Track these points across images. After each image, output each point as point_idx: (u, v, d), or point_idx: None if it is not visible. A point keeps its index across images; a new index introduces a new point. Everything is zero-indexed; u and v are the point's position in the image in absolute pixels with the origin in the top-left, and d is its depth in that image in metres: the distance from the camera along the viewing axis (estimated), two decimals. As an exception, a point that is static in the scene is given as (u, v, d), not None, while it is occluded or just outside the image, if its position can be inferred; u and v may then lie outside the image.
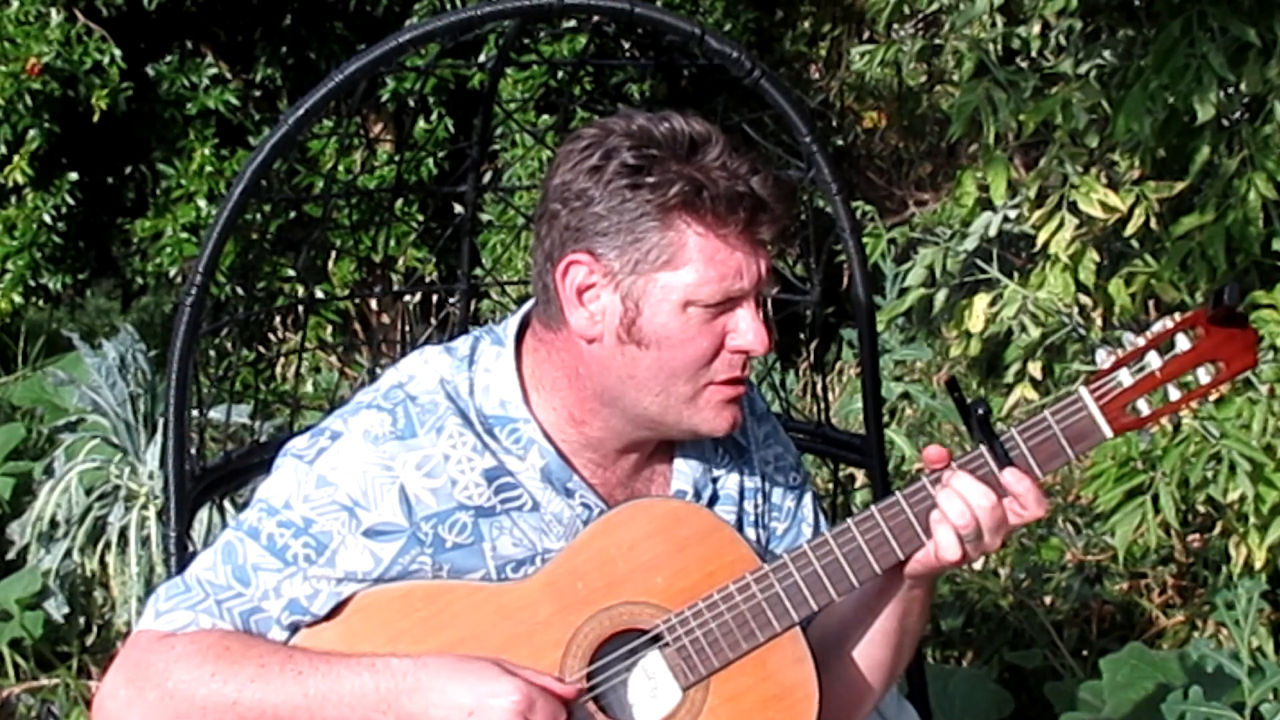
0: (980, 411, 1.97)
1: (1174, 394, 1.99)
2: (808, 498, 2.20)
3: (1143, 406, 1.98)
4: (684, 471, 2.09)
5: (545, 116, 5.30)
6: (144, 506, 4.32)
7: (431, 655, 1.94)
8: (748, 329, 1.96)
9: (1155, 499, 3.03)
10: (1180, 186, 3.31)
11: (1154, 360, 1.98)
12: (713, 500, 2.11)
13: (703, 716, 1.99)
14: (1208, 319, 1.97)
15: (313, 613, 1.99)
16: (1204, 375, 1.99)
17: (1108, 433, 1.99)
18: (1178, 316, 1.99)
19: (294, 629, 1.99)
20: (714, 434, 2.02)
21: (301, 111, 2.49)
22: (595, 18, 2.84)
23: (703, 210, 1.91)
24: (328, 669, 1.93)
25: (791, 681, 2.00)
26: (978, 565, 4.22)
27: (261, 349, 5.86)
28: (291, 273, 5.48)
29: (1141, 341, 1.99)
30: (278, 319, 5.69)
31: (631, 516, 2.01)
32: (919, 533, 1.98)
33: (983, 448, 1.97)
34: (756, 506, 2.15)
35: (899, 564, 2.00)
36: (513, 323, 2.07)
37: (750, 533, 2.13)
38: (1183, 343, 1.98)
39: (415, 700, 1.91)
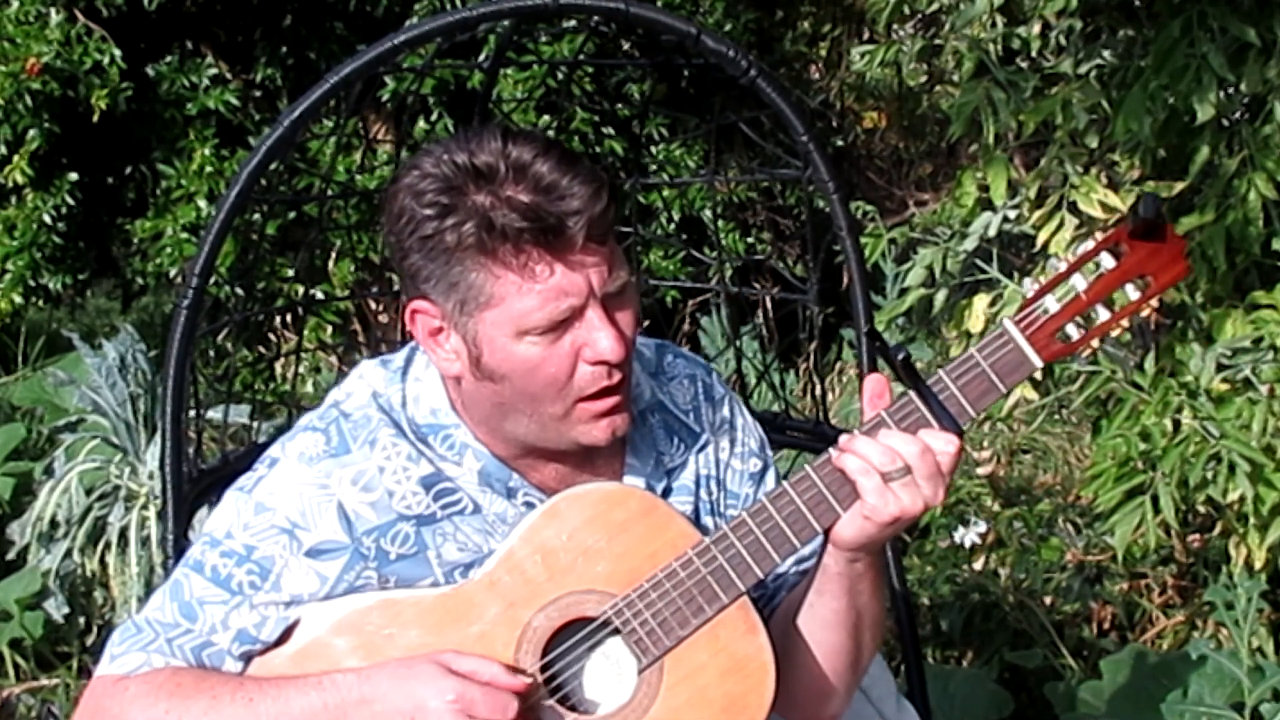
0: (902, 356, 1.91)
1: (1103, 315, 1.94)
2: (769, 481, 2.18)
3: (1072, 331, 1.93)
4: (634, 465, 2.09)
5: (546, 117, 5.30)
6: (144, 507, 4.32)
7: (375, 666, 1.95)
8: (596, 339, 1.93)
9: (1155, 499, 3.03)
10: (1180, 187, 3.30)
11: (1080, 283, 1.93)
12: (667, 493, 2.10)
13: (661, 696, 1.98)
14: (1129, 234, 1.92)
15: (262, 640, 2.00)
16: (1133, 292, 1.93)
17: (1037, 362, 1.94)
18: (1099, 236, 1.95)
19: (247, 658, 2.01)
20: (596, 444, 2.00)
21: (297, 113, 2.49)
22: (592, 18, 2.83)
23: (496, 248, 1.89)
24: (277, 692, 1.95)
25: (745, 652, 1.99)
26: (978, 565, 4.22)
27: (261, 349, 5.86)
28: (291, 273, 5.48)
29: (1064, 266, 1.94)
30: (277, 319, 5.69)
31: (567, 506, 2.00)
32: (856, 486, 1.94)
33: (910, 393, 1.93)
34: (711, 494, 2.14)
35: (836, 521, 1.96)
36: None
37: (708, 521, 2.12)
38: (1108, 262, 1.93)
39: (361, 712, 1.93)
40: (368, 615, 2.00)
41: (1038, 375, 3.50)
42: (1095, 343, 1.96)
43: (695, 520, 2.09)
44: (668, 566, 1.98)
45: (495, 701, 1.91)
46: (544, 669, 1.98)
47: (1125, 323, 1.96)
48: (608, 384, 1.96)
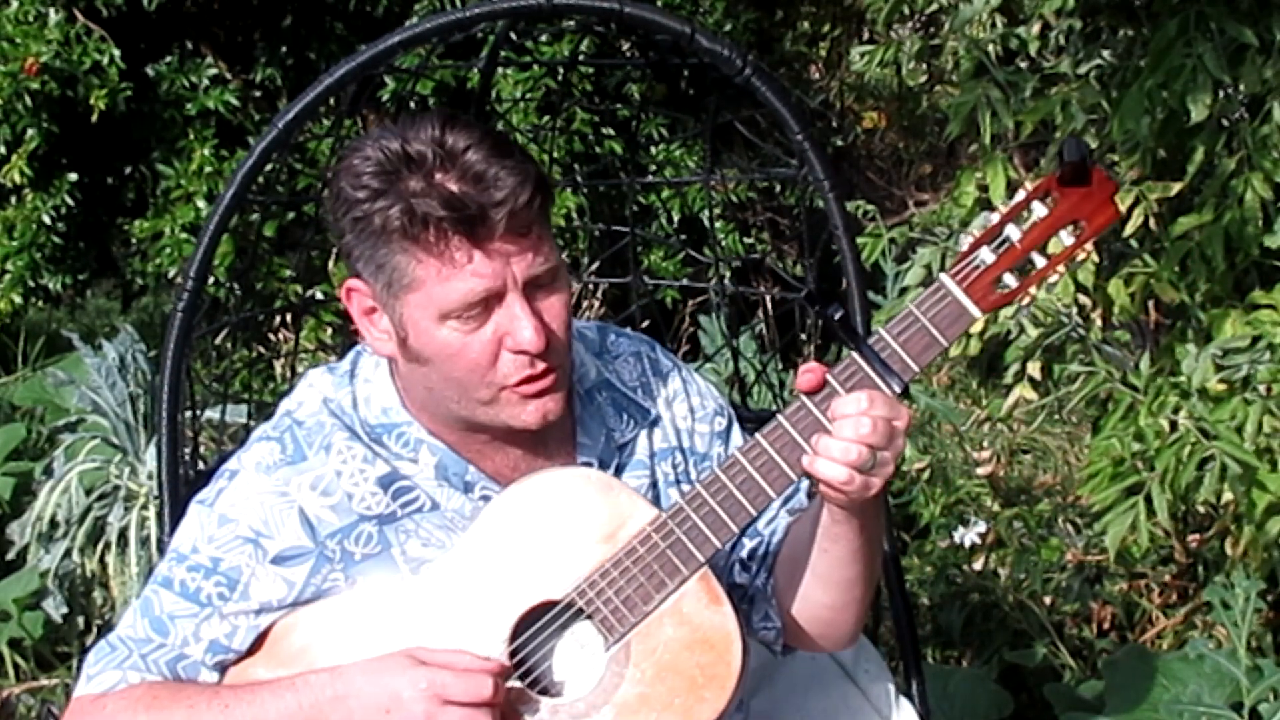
0: (839, 316, 1.93)
1: (1040, 262, 1.95)
2: (735, 437, 2.20)
3: (1010, 281, 1.95)
4: (586, 444, 2.11)
5: (547, 118, 5.29)
6: (144, 507, 4.33)
7: (347, 664, 1.97)
8: (516, 328, 1.95)
9: (1149, 499, 3.02)
10: (1178, 187, 3.30)
11: (1014, 233, 1.95)
12: (620, 470, 2.12)
13: (629, 673, 2.00)
14: (1058, 181, 1.94)
15: (235, 649, 2.03)
16: (1068, 238, 1.95)
17: (976, 313, 1.95)
18: (1029, 186, 1.96)
19: (222, 669, 2.04)
20: (528, 428, 2.01)
21: (292, 114, 2.50)
22: (588, 18, 2.84)
23: (419, 234, 1.92)
24: (252, 697, 1.97)
25: (711, 623, 2.00)
26: (978, 565, 4.22)
27: (260, 349, 5.85)
28: (289, 273, 5.48)
29: (996, 218, 1.95)
30: (276, 320, 5.68)
31: (523, 492, 2.02)
32: (804, 447, 1.94)
33: (853, 354, 1.94)
34: (676, 465, 2.16)
35: (792, 486, 1.97)
36: None
37: (673, 492, 2.14)
38: (1040, 211, 1.94)
39: (338, 709, 1.95)
40: (337, 615, 2.03)
41: (1037, 376, 3.50)
42: (1034, 290, 1.97)
43: (655, 495, 2.12)
44: (627, 545, 1.99)
45: (469, 686, 1.93)
46: (513, 655, 2.00)
47: (1061, 269, 1.97)
48: (531, 373, 1.98)
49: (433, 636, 1.99)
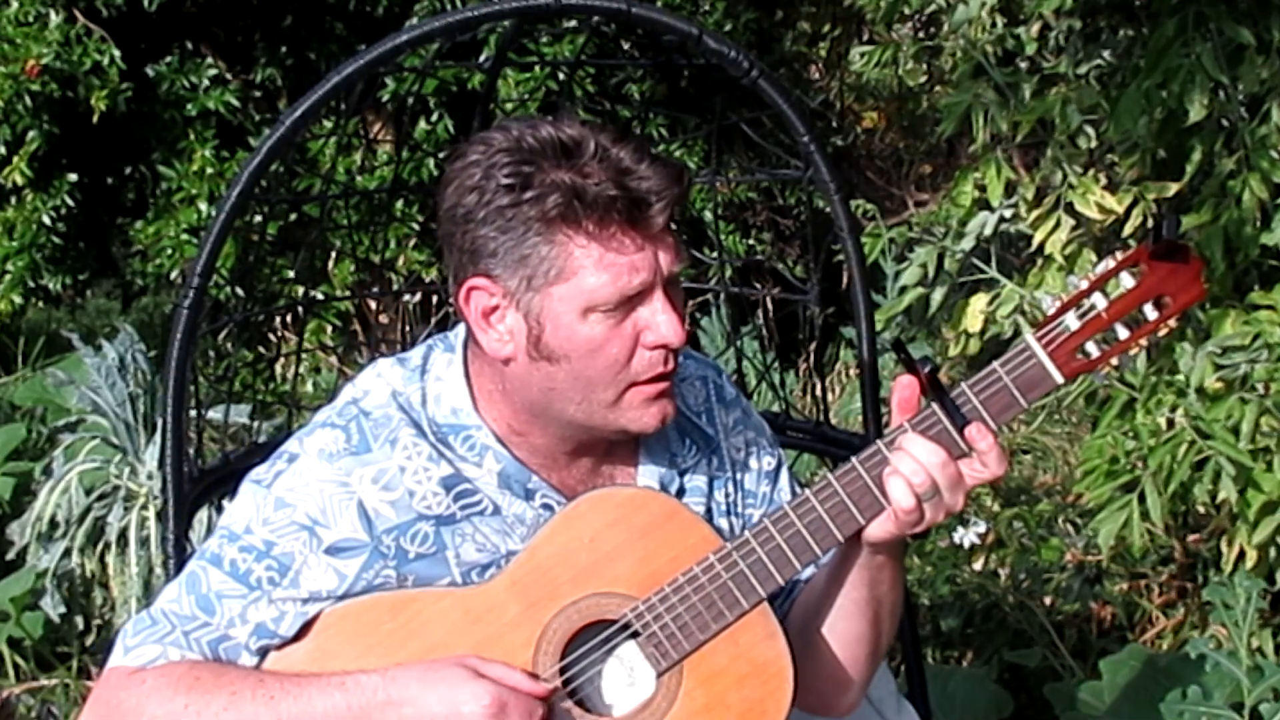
0: (928, 369, 1.94)
1: (1122, 333, 1.97)
2: (784, 480, 2.19)
3: (1092, 349, 1.97)
4: (648, 466, 2.09)
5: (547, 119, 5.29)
6: (144, 507, 4.32)
7: (399, 668, 1.94)
8: (659, 322, 1.95)
9: (1144, 498, 3.03)
10: (1176, 187, 3.30)
11: (1100, 302, 1.96)
12: (680, 493, 2.10)
13: (679, 700, 1.98)
14: (1149, 255, 1.96)
15: (280, 635, 1.99)
16: (1151, 312, 1.97)
17: (1059, 378, 1.97)
18: (1119, 256, 1.98)
19: (263, 653, 2.00)
20: (644, 432, 2.01)
21: (298, 114, 2.49)
22: (594, 18, 2.84)
23: (581, 218, 1.90)
24: (299, 691, 1.93)
25: (765, 658, 1.99)
26: (978, 565, 4.23)
27: (262, 349, 5.86)
28: (291, 274, 5.48)
29: (1085, 284, 1.97)
30: (277, 320, 5.69)
31: (590, 508, 2.00)
32: (878, 497, 1.96)
33: (934, 405, 1.95)
34: (728, 495, 2.15)
35: (860, 531, 1.98)
36: (462, 329, 2.07)
37: (723, 522, 2.12)
38: (1127, 281, 1.96)
39: (388, 715, 1.92)
40: (386, 613, 2.00)
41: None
42: (1114, 361, 1.99)
43: (709, 521, 2.08)
44: (689, 571, 1.98)
45: (525, 706, 1.92)
46: (562, 671, 1.98)
47: (1144, 341, 1.99)
48: (663, 370, 1.97)
49: (484, 649, 1.97)
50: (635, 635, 1.99)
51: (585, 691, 2.00)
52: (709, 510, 2.12)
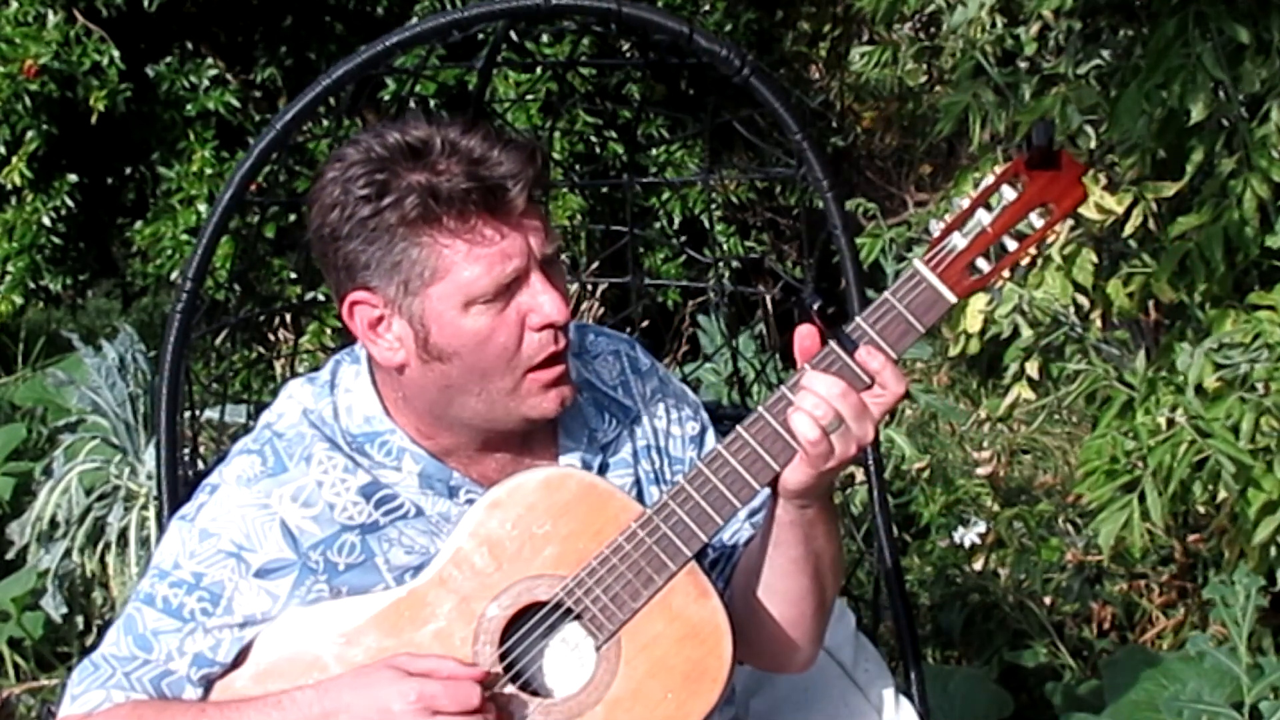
0: (817, 305, 1.95)
1: (1011, 245, 1.97)
2: (709, 443, 2.20)
3: (983, 265, 1.97)
4: (569, 445, 2.11)
5: (548, 119, 5.29)
6: (144, 507, 4.33)
7: (332, 679, 1.97)
8: (541, 303, 1.97)
9: (1144, 498, 3.02)
10: (1176, 187, 3.30)
11: (985, 217, 1.97)
12: (604, 469, 2.12)
13: (621, 670, 1.99)
14: (1026, 165, 1.96)
15: (219, 662, 2.02)
16: (1038, 221, 1.98)
17: (951, 298, 1.97)
18: (998, 170, 1.98)
19: (207, 682, 2.02)
20: (545, 418, 2.03)
21: (290, 115, 2.50)
22: (585, 18, 2.84)
23: (441, 216, 1.92)
24: (237, 715, 1.96)
25: (699, 617, 2.01)
26: (978, 565, 4.22)
27: (260, 350, 5.85)
28: (291, 275, 5.48)
29: (967, 203, 1.97)
30: (276, 320, 5.69)
31: (508, 495, 2.02)
32: (789, 441, 1.96)
33: (831, 342, 1.95)
34: (654, 464, 2.17)
35: (777, 478, 1.98)
36: None
37: (653, 490, 2.14)
38: (1009, 194, 1.96)
39: None
40: (323, 626, 2.02)
41: (1035, 376, 3.50)
42: (1006, 273, 1.99)
43: (639, 492, 2.12)
44: (613, 542, 1.99)
45: (457, 694, 1.93)
46: (503, 658, 1.99)
47: (1033, 250, 1.99)
48: (554, 350, 1.99)
49: (419, 644, 1.99)
50: (573, 613, 2.00)
51: (530, 674, 2.02)
52: (637, 480, 2.14)
